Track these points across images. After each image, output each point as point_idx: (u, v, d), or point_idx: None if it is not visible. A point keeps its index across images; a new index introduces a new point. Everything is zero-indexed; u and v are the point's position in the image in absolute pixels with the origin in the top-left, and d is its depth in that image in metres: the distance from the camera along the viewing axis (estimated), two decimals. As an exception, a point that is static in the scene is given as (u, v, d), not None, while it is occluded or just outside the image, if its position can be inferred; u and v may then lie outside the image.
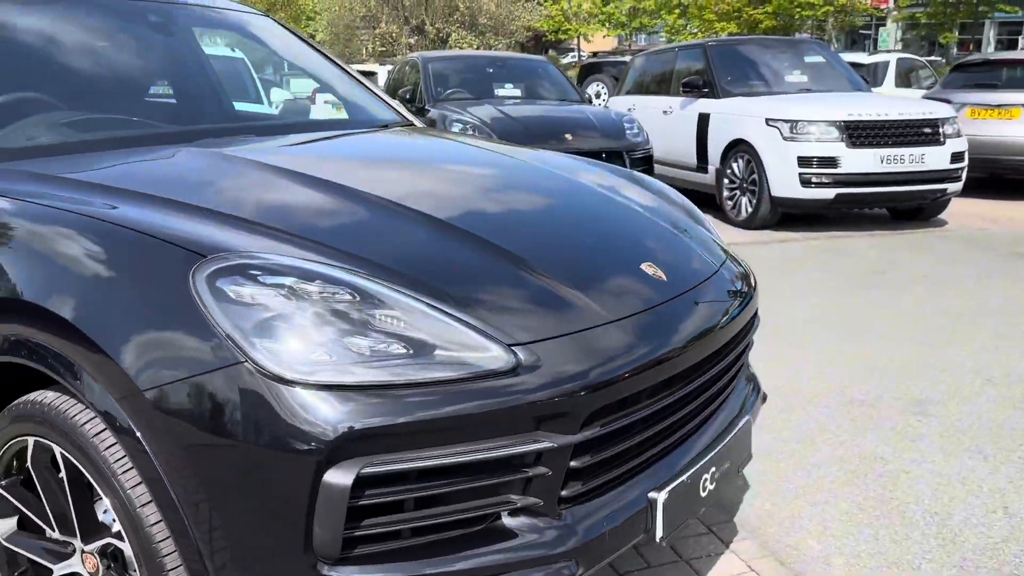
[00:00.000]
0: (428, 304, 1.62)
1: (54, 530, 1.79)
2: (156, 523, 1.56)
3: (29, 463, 1.79)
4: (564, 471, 1.62)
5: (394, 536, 1.54)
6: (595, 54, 32.61)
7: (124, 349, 1.56)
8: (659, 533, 1.80)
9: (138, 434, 1.54)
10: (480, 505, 1.58)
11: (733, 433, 2.07)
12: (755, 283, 2.39)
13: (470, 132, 7.14)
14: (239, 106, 3.66)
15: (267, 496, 1.49)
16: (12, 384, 1.82)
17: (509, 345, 1.60)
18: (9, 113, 2.44)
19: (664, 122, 8.73)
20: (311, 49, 3.58)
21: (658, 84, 9.48)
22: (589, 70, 19.94)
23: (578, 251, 2.09)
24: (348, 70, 3.54)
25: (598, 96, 16.95)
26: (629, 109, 9.12)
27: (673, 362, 1.82)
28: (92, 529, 1.74)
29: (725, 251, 2.45)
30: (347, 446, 1.45)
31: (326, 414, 1.45)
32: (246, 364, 1.47)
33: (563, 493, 1.64)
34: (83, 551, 1.76)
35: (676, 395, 1.87)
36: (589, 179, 2.66)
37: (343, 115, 3.42)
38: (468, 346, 1.58)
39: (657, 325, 1.87)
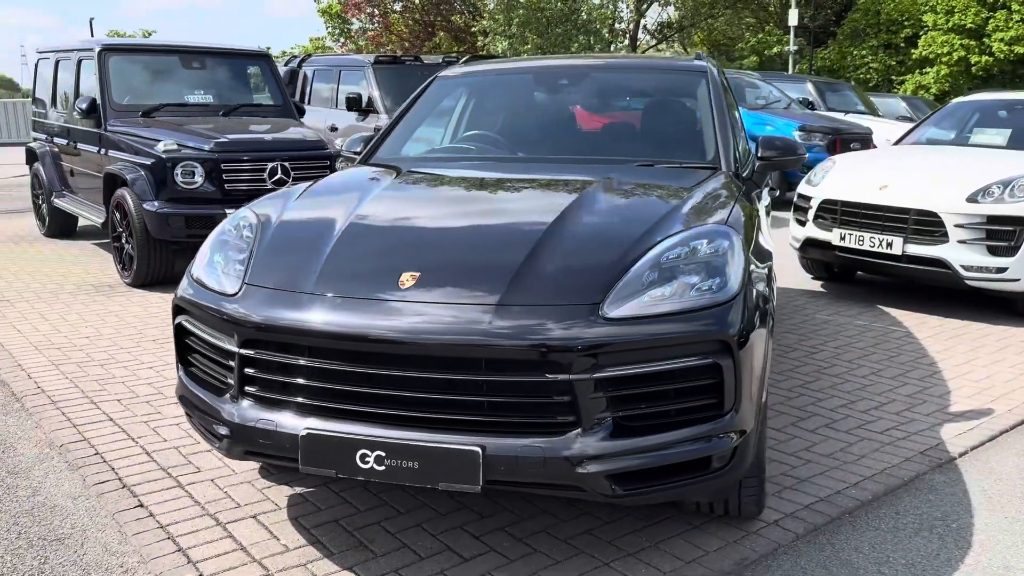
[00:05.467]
0: (251, 256, 2.82)
1: None
2: None
3: None
4: (238, 371, 2.59)
5: (197, 367, 2.84)
6: None
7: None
8: (300, 461, 2.44)
9: None
10: (217, 372, 2.71)
11: (433, 445, 2.32)
12: (583, 343, 2.30)
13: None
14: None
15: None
16: None
17: (244, 283, 2.70)
18: (461, 140, 4.32)
19: None
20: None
21: None
22: None
23: (387, 248, 2.86)
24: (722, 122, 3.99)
25: None
26: None
27: (333, 342, 2.43)
28: None
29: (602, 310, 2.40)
30: (178, 307, 2.87)
31: (180, 290, 2.87)
32: (192, 269, 2.96)
33: (246, 388, 2.60)
34: None
35: (356, 373, 2.41)
36: (578, 207, 2.96)
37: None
38: (232, 279, 2.75)
39: (344, 314, 2.46)
